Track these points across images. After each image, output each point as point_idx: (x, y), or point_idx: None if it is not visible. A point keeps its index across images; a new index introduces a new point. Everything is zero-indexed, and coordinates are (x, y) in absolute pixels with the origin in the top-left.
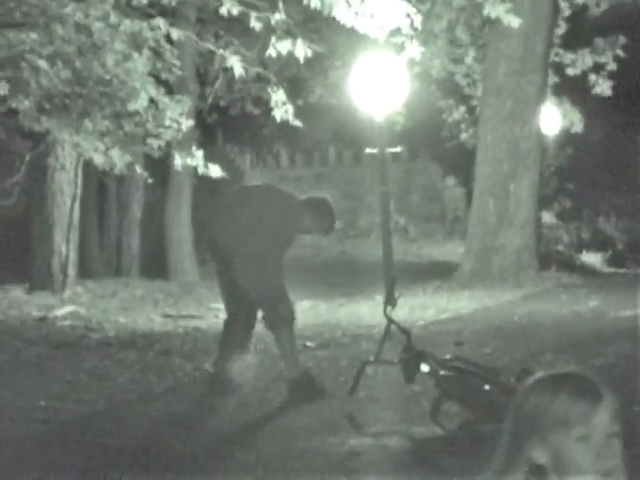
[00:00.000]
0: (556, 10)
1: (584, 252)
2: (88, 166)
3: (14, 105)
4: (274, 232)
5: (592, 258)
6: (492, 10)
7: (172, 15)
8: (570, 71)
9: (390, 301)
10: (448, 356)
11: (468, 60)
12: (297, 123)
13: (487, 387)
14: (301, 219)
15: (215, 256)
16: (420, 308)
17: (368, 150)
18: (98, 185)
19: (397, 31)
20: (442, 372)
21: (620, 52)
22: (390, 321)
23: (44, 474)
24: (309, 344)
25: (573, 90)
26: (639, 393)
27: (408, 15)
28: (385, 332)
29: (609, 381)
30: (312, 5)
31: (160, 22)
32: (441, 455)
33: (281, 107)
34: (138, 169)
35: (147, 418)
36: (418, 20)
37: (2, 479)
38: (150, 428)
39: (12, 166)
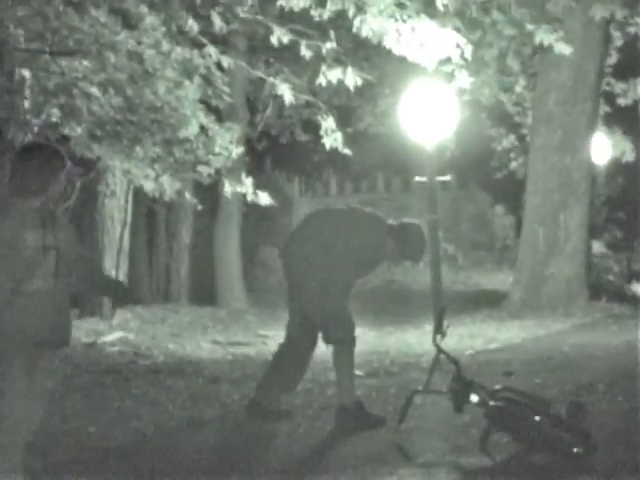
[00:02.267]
0: (608, 39)
1: (634, 282)
2: (138, 193)
3: (66, 132)
4: (354, 256)
5: None
6: (543, 38)
7: (223, 43)
8: (621, 101)
9: (439, 330)
10: (498, 386)
11: (518, 88)
12: (346, 151)
13: (537, 418)
14: (387, 245)
15: (288, 278)
16: (469, 337)
17: (417, 178)
18: (147, 212)
19: (447, 60)
20: (492, 402)
21: None
22: (439, 350)
23: None
24: (358, 372)
25: (624, 119)
26: None
27: (458, 45)
28: (434, 361)
29: None
30: (363, 34)
31: (211, 50)
32: None
33: (330, 135)
34: (187, 196)
35: (196, 446)
36: (468, 50)
37: None
38: (199, 456)
39: (64, 193)
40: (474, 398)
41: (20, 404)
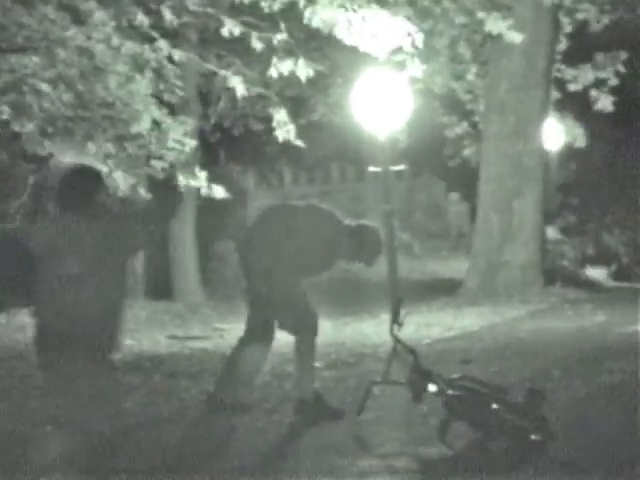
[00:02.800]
0: (557, 26)
1: (589, 267)
2: None
3: (17, 129)
4: (308, 254)
5: (597, 273)
6: (494, 26)
7: (174, 36)
8: (572, 87)
9: (396, 320)
10: (455, 375)
11: (470, 76)
12: (299, 143)
13: (495, 406)
14: (342, 245)
15: (246, 272)
16: (426, 326)
17: (371, 168)
18: None
19: (399, 49)
20: (450, 392)
21: (621, 67)
22: (397, 341)
23: None
24: (316, 364)
25: (575, 106)
26: None
27: (409, 34)
28: (392, 352)
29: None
30: (313, 24)
31: (162, 44)
32: (450, 475)
33: (283, 127)
34: (142, 191)
35: (155, 442)
36: (419, 38)
37: None
38: (158, 452)
39: (15, 189)
40: (432, 388)
41: None
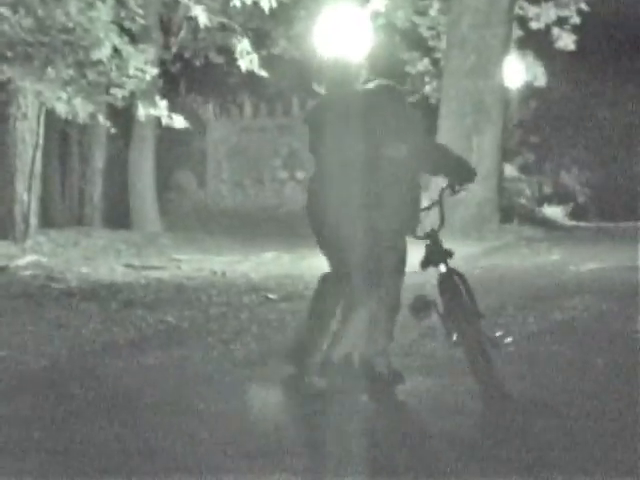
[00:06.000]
0: None
1: (546, 205)
2: (51, 115)
3: None
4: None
5: (554, 211)
6: None
7: None
8: (534, 25)
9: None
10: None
11: (432, 12)
12: (263, 73)
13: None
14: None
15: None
16: (410, 253)
17: None
18: (60, 135)
19: None
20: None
21: (584, 6)
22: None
23: (6, 424)
24: (271, 296)
25: (537, 44)
26: (600, 346)
27: None
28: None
29: (571, 334)
30: None
31: None
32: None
33: (246, 57)
34: (101, 119)
35: (111, 369)
36: None
37: None
38: (114, 379)
39: None
40: (443, 268)
41: None
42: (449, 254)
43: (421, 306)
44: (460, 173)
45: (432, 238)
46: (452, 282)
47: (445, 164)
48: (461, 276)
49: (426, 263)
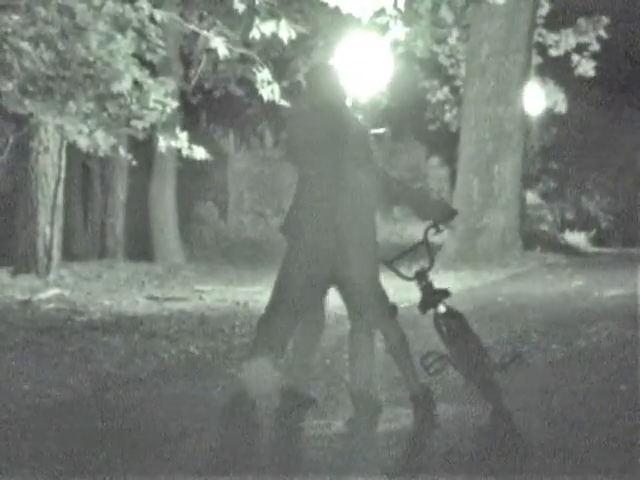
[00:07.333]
0: None
1: (568, 232)
2: (72, 149)
3: None
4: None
5: (576, 237)
6: None
7: None
8: (553, 51)
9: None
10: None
11: (452, 40)
12: (284, 102)
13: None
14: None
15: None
16: (404, 289)
17: None
18: (82, 168)
19: (381, 11)
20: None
21: (603, 33)
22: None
23: (28, 458)
24: None
25: (556, 71)
26: (623, 373)
27: None
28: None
29: (594, 361)
30: None
31: (144, 3)
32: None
33: (267, 87)
34: (122, 151)
35: (133, 402)
36: (402, 1)
37: None
38: (136, 412)
39: None
40: (442, 308)
41: None
42: (446, 294)
43: (432, 361)
44: (442, 213)
45: (421, 279)
46: (448, 326)
47: (417, 203)
48: (460, 316)
49: (424, 306)
